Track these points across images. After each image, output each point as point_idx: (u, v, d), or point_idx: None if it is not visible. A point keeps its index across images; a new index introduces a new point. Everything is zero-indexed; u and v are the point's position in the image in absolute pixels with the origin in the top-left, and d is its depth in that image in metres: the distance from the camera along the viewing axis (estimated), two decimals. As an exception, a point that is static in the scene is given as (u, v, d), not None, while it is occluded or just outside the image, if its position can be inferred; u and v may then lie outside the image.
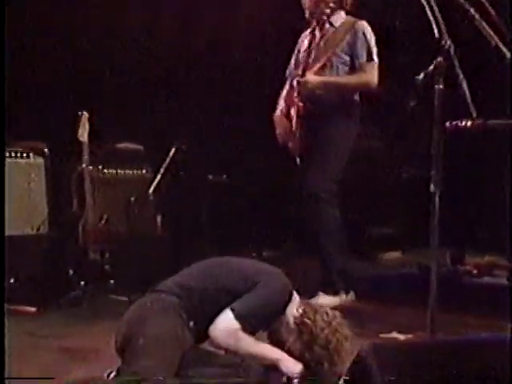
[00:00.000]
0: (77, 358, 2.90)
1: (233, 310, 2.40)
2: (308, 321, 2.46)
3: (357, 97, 4.05)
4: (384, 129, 5.93)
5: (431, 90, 2.70)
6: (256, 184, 5.84)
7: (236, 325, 2.39)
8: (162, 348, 2.26)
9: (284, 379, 2.41)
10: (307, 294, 3.85)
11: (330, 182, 3.96)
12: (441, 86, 2.65)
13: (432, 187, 2.59)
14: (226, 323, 2.39)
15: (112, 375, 2.33)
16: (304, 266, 4.45)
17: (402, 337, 2.97)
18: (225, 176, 5.63)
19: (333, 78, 3.99)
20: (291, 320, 2.49)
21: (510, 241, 4.08)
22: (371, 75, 3.93)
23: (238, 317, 2.39)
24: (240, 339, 2.39)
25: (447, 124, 2.84)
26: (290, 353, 2.45)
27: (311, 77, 3.95)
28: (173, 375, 2.25)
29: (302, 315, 2.49)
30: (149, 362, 2.21)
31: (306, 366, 2.43)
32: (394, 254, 5.86)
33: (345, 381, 1.42)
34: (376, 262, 5.72)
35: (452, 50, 2.61)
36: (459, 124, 3.87)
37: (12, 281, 4.03)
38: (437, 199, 2.58)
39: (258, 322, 2.47)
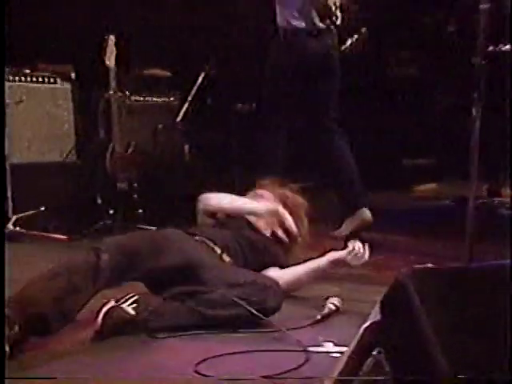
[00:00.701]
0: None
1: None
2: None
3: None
4: (421, 55, 5.75)
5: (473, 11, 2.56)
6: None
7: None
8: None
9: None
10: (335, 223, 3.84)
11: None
12: (486, 6, 2.49)
13: (473, 111, 2.47)
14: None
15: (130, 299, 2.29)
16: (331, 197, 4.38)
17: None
18: (254, 105, 5.49)
19: None
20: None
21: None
22: None
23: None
24: (222, 198, 2.96)
25: (490, 47, 2.69)
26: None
27: None
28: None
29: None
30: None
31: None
32: (430, 186, 5.81)
33: (381, 302, 1.39)
34: (411, 194, 5.66)
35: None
36: (501, 48, 3.66)
37: (43, 209, 4.02)
38: (477, 123, 2.47)
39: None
